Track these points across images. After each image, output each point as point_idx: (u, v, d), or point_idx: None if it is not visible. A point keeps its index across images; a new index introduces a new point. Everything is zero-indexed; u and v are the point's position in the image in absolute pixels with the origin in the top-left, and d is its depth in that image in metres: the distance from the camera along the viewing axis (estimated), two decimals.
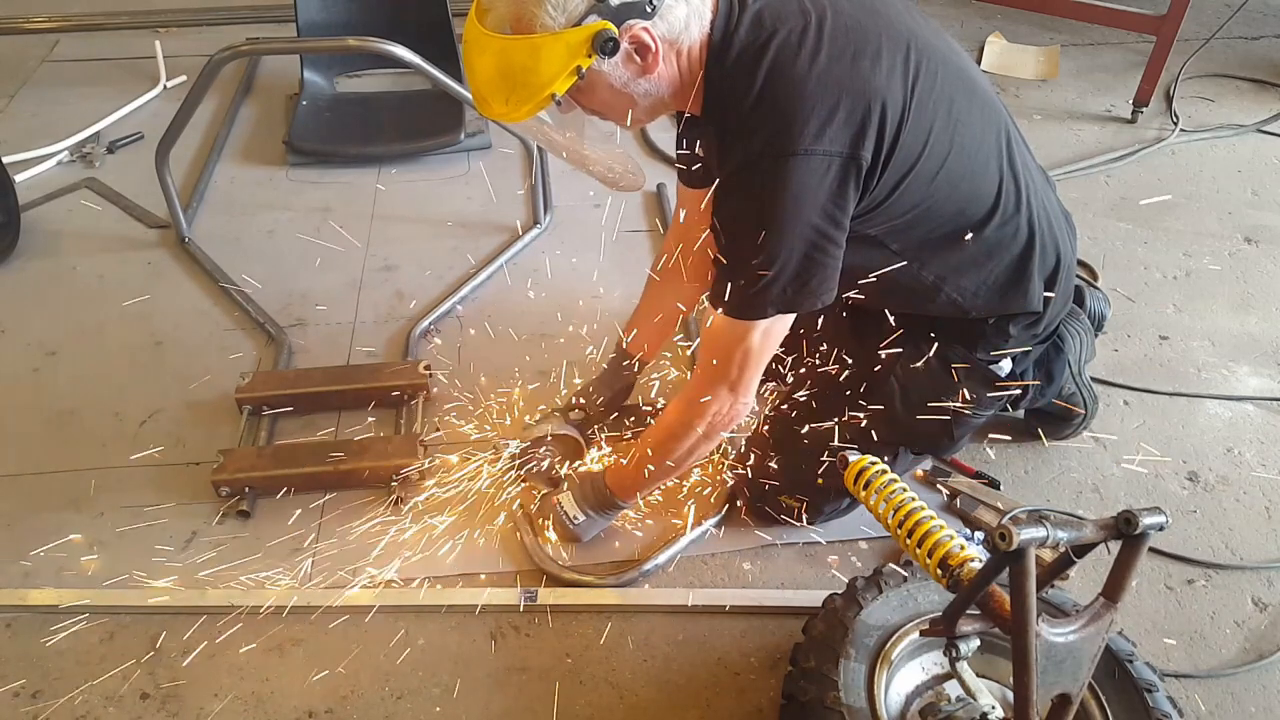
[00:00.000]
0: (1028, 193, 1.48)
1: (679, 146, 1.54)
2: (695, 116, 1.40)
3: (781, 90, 1.24)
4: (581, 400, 1.84)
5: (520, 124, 1.33)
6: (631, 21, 1.22)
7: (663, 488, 1.77)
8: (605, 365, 1.87)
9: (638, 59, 1.26)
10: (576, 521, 1.68)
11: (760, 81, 1.25)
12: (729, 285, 1.35)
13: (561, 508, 1.69)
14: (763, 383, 1.57)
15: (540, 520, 1.74)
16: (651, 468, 1.57)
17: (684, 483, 1.81)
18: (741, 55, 1.27)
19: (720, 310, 1.37)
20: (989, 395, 1.61)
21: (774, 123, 1.24)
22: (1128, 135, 2.96)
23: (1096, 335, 1.90)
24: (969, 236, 1.44)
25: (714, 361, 1.42)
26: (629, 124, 1.39)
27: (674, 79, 1.32)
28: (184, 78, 3.15)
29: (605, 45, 1.19)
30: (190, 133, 2.47)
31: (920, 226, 1.40)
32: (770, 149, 1.24)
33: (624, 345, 1.83)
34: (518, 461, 1.79)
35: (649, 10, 1.22)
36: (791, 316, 1.39)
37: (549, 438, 1.77)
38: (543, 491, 1.77)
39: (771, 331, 1.38)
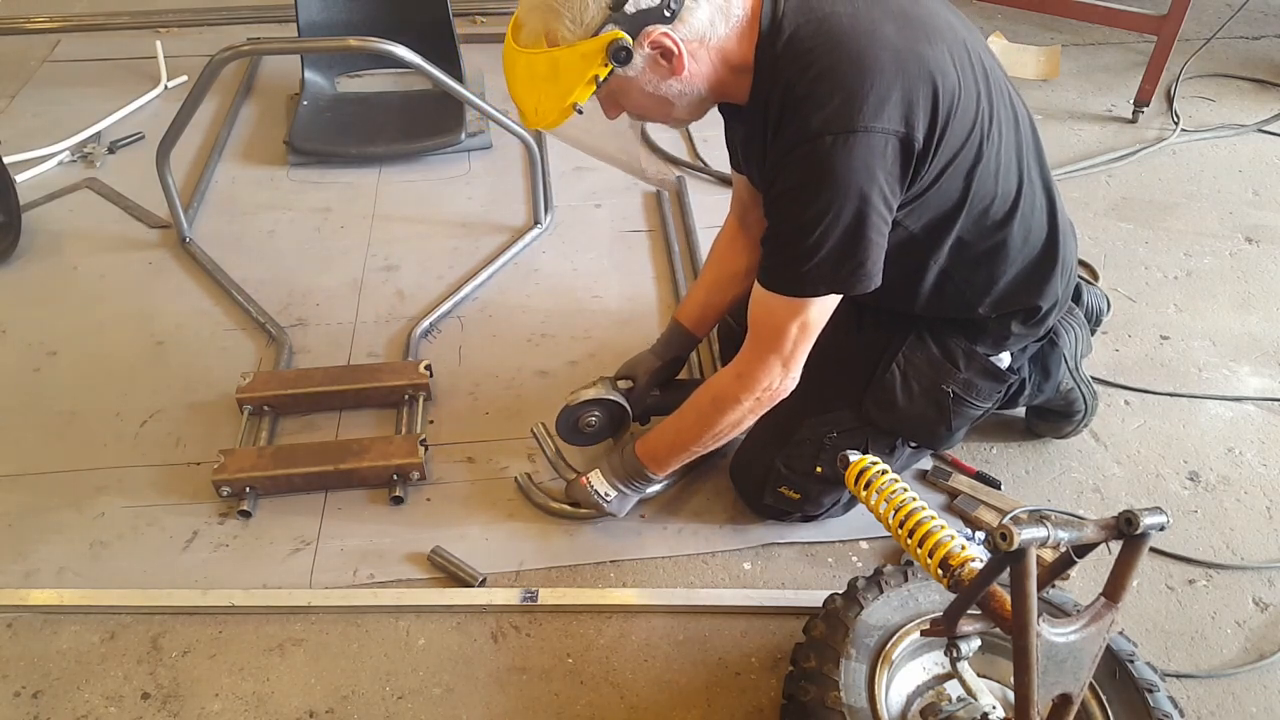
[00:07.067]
0: (1045, 196, 1.50)
1: (728, 134, 1.56)
2: (740, 107, 1.40)
3: (839, 67, 1.23)
4: (632, 374, 1.82)
5: (560, 133, 1.37)
6: (650, 28, 1.23)
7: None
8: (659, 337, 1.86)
9: (664, 62, 1.28)
10: (609, 498, 1.67)
11: (815, 60, 1.25)
12: (781, 262, 1.35)
13: (592, 486, 1.68)
14: None
15: (569, 504, 1.74)
16: (689, 439, 1.58)
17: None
18: (793, 38, 1.27)
19: (772, 288, 1.38)
20: (988, 386, 1.62)
21: (833, 100, 1.23)
22: (1129, 135, 2.96)
23: (1094, 333, 1.90)
24: (989, 234, 1.45)
25: (766, 337, 1.43)
26: (673, 123, 1.43)
27: (710, 75, 1.33)
28: (185, 78, 3.16)
29: (619, 54, 1.23)
30: (191, 133, 2.47)
31: (950, 221, 1.41)
32: (830, 126, 1.23)
33: (676, 316, 1.82)
34: (557, 429, 1.77)
35: (668, 15, 1.23)
36: (839, 295, 1.39)
37: (596, 401, 1.74)
38: (570, 477, 1.76)
39: (825, 308, 1.39)
